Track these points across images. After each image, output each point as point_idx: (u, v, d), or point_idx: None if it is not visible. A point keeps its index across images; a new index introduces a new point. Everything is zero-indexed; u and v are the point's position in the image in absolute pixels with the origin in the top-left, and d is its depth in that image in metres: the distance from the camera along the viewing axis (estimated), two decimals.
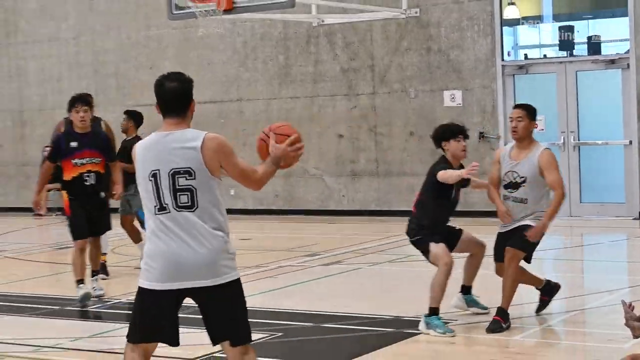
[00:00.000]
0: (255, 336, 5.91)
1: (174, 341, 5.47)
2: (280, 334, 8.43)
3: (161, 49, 20.36)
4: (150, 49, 20.49)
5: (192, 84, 5.53)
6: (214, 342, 5.50)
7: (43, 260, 14.23)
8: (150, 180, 5.36)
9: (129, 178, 10.05)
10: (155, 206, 5.36)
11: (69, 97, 10.78)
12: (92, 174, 10.24)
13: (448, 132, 8.55)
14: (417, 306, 8.71)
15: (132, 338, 5.50)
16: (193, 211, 5.29)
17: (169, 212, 5.33)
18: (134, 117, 12.64)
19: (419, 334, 8.19)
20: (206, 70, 19.62)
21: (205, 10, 15.44)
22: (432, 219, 8.46)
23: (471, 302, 8.95)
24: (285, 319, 9.12)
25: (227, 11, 15.35)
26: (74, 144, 10.20)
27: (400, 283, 11.09)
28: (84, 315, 9.94)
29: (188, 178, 5.29)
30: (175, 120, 5.45)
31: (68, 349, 8.46)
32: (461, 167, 8.55)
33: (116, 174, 10.63)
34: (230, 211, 5.68)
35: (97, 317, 9.92)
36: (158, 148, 5.41)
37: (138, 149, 5.49)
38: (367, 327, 8.65)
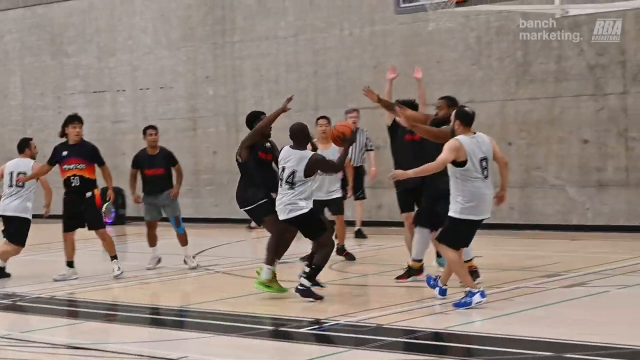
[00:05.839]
0: None
1: None
2: None
3: (386, 45, 20.08)
4: (374, 46, 20.34)
5: None
6: None
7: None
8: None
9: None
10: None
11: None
12: None
13: None
14: None
15: None
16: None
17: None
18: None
19: None
20: (435, 69, 19.27)
21: (436, 3, 15.67)
22: None
23: None
24: (524, 347, 8.43)
25: (460, 3, 15.54)
26: None
27: None
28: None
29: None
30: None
31: None
32: None
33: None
34: None
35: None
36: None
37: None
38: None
